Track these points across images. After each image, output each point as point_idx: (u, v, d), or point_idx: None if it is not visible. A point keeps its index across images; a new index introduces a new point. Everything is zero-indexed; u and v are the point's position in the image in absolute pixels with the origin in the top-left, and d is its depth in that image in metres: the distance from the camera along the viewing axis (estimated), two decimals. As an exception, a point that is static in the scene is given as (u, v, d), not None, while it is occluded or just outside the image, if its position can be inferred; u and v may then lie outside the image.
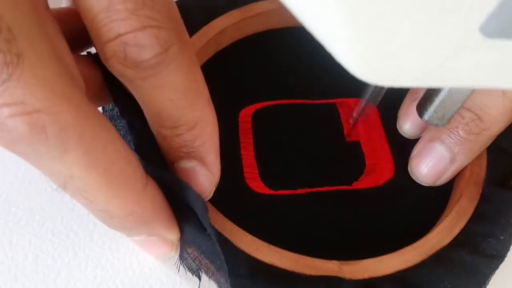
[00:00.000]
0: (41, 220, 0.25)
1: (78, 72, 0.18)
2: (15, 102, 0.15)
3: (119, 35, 0.17)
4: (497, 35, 0.12)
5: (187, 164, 0.21)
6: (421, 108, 0.24)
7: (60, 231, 0.25)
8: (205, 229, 0.21)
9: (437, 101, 0.23)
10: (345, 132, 0.29)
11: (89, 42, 0.19)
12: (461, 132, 0.24)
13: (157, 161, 0.22)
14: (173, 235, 0.21)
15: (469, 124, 0.24)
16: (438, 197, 0.26)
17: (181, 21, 0.19)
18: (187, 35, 0.20)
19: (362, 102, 0.27)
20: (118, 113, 0.24)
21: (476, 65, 0.13)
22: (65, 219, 0.25)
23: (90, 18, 0.18)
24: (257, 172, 0.26)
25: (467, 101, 0.23)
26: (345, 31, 0.12)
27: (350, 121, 0.29)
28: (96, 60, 0.22)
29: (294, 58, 0.31)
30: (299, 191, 0.26)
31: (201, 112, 0.20)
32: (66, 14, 0.21)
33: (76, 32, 0.20)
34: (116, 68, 0.18)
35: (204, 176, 0.22)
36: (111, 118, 0.25)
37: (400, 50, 0.13)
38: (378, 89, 0.25)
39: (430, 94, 0.23)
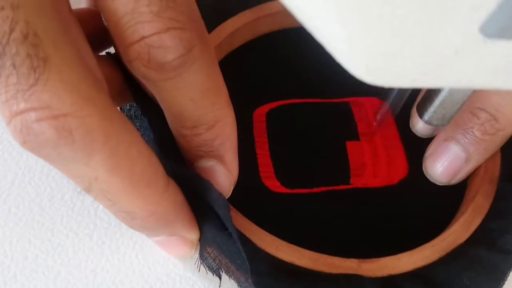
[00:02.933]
0: (41, 220, 0.25)
1: (101, 74, 0.19)
2: (42, 106, 0.16)
3: (143, 37, 0.18)
4: (497, 35, 0.12)
5: (206, 163, 0.22)
6: (421, 109, 0.24)
7: (60, 231, 0.25)
8: (225, 229, 0.21)
9: (437, 101, 0.23)
10: (361, 130, 0.29)
11: (108, 43, 0.20)
12: (476, 133, 0.24)
13: (177, 161, 0.22)
14: (193, 234, 0.22)
15: (485, 124, 0.24)
16: (453, 195, 0.26)
17: (202, 21, 0.20)
18: (207, 35, 0.20)
19: (386, 104, 0.27)
20: (136, 113, 0.25)
21: (476, 65, 0.13)
22: (65, 219, 0.25)
23: (114, 20, 0.18)
24: (272, 171, 0.27)
25: (482, 101, 0.23)
26: (344, 31, 0.12)
27: (374, 123, 0.29)
28: (115, 61, 0.22)
29: (307, 57, 0.30)
30: (315, 189, 0.26)
31: (221, 111, 0.21)
32: (85, 15, 0.22)
33: (95, 33, 0.20)
34: (140, 70, 0.19)
35: (223, 175, 0.22)
36: (129, 118, 0.25)
37: (400, 51, 0.13)
38: (401, 92, 0.25)
39: (430, 94, 0.23)
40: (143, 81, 0.20)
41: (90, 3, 0.25)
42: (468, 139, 0.25)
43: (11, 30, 0.15)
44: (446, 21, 0.12)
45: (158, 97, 0.21)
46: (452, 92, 0.22)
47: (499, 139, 0.24)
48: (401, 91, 0.25)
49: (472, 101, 0.24)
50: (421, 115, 0.24)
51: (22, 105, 0.16)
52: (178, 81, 0.19)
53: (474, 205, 0.24)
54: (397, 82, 0.14)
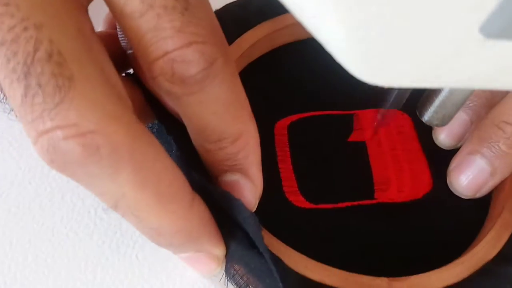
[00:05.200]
0: (41, 220, 0.25)
1: (125, 92, 0.18)
2: (68, 124, 0.16)
3: (166, 53, 0.18)
4: (497, 35, 0.12)
5: (231, 177, 0.22)
6: (421, 108, 0.24)
7: (60, 231, 0.25)
8: (253, 247, 0.21)
9: (437, 101, 0.23)
10: (385, 142, 0.28)
11: (125, 65, 0.19)
12: (502, 146, 0.24)
13: (202, 176, 0.22)
14: (220, 250, 0.21)
15: (511, 138, 0.24)
16: (477, 208, 0.26)
17: (223, 35, 0.20)
18: (228, 48, 0.20)
19: (382, 110, 0.27)
20: (157, 130, 0.24)
21: (476, 65, 0.13)
22: (65, 219, 0.25)
23: (138, 38, 0.18)
24: (296, 185, 0.26)
25: (508, 114, 0.23)
26: (344, 31, 0.12)
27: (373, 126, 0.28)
28: (135, 81, 0.22)
29: (327, 66, 0.30)
30: (339, 204, 0.26)
31: (244, 124, 0.21)
32: (103, 38, 0.21)
33: (113, 56, 0.20)
34: (163, 85, 0.19)
35: (248, 188, 0.22)
36: None
37: (400, 50, 0.13)
38: (400, 94, 0.25)
39: (430, 94, 0.23)
40: (167, 97, 0.20)
41: (107, 26, 0.25)
42: (494, 153, 0.25)
43: (36, 50, 0.15)
44: (446, 21, 0.12)
45: (181, 113, 0.21)
46: (452, 92, 0.22)
47: None
48: (401, 91, 0.25)
49: (498, 114, 0.24)
50: (421, 115, 0.24)
51: (49, 124, 0.16)
52: (201, 95, 0.19)
53: (501, 221, 0.24)
54: (397, 82, 0.14)
